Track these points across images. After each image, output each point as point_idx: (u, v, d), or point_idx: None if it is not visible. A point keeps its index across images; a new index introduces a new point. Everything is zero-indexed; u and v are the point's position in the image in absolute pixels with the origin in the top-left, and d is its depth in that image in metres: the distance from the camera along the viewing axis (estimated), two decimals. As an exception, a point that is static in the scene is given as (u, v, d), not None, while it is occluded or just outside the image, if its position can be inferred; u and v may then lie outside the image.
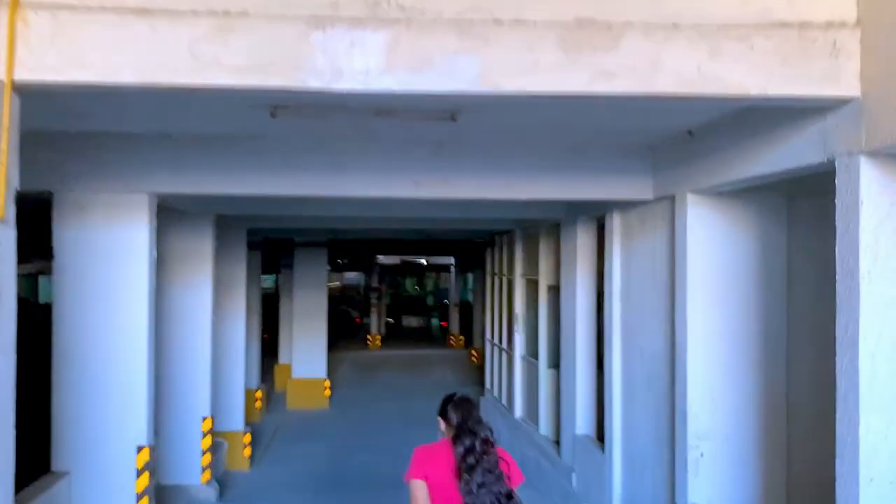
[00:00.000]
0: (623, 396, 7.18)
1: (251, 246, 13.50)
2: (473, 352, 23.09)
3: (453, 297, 28.79)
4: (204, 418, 8.59)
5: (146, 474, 6.20)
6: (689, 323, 5.63)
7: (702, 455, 5.61)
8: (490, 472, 3.67)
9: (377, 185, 6.26)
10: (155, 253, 6.36)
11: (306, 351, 16.09)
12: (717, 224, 5.68)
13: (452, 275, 29.01)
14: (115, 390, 6.11)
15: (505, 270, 12.60)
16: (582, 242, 8.55)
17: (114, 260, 6.16)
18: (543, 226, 10.29)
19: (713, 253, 5.67)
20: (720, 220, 5.68)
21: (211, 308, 8.75)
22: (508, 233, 12.23)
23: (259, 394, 14.77)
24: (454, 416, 3.84)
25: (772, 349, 5.66)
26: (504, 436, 11.80)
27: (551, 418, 10.26)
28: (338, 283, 48.83)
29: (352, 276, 51.57)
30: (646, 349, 6.64)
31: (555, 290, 10.38)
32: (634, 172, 6.31)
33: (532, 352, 11.18)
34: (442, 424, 3.94)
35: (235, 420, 11.08)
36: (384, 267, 30.93)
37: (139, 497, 6.14)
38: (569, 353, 8.84)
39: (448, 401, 3.98)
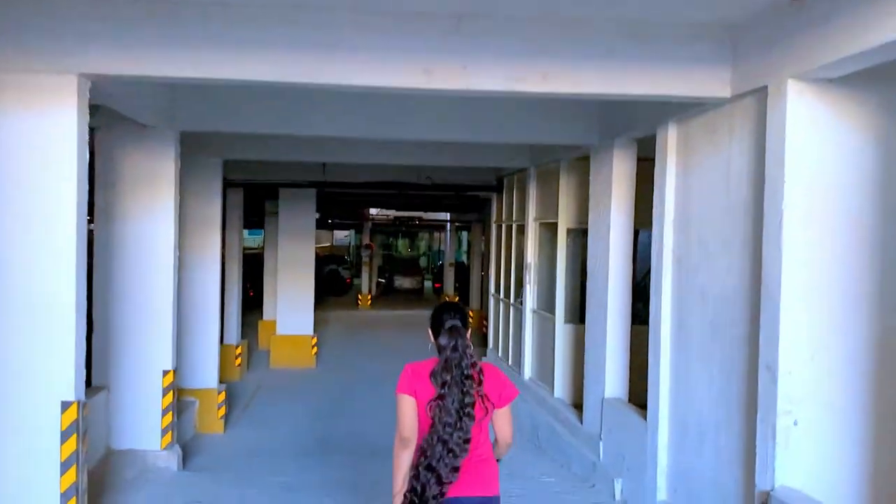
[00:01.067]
0: (674, 350, 5.85)
1: (231, 184, 12.07)
2: (470, 312, 21.80)
3: (448, 257, 27.44)
4: (165, 372, 7.23)
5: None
6: (785, 254, 4.28)
7: (795, 423, 4.31)
8: (465, 376, 3.50)
9: (377, 71, 4.83)
10: (87, 154, 4.92)
11: (292, 306, 14.73)
12: (827, 122, 4.31)
13: (448, 233, 27.64)
14: (32, 325, 4.72)
15: (515, 216, 11.22)
16: (619, 171, 7.17)
17: (33, 161, 4.74)
18: (566, 159, 8.90)
19: (820, 160, 4.31)
20: (831, 116, 4.31)
21: (174, 244, 7.34)
22: (520, 172, 10.83)
23: (239, 350, 13.46)
24: (438, 321, 3.67)
25: (894, 289, 4.33)
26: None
27: (569, 379, 8.97)
28: (328, 244, 47.61)
29: (342, 237, 50.36)
30: (710, 291, 5.29)
31: (577, 234, 9.02)
32: (706, 62, 4.90)
33: (546, 305, 9.86)
34: (431, 336, 3.69)
35: (208, 377, 9.74)
36: (376, 224, 29.55)
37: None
38: (597, 305, 7.51)
39: (436, 309, 3.81)
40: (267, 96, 7.32)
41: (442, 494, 3.43)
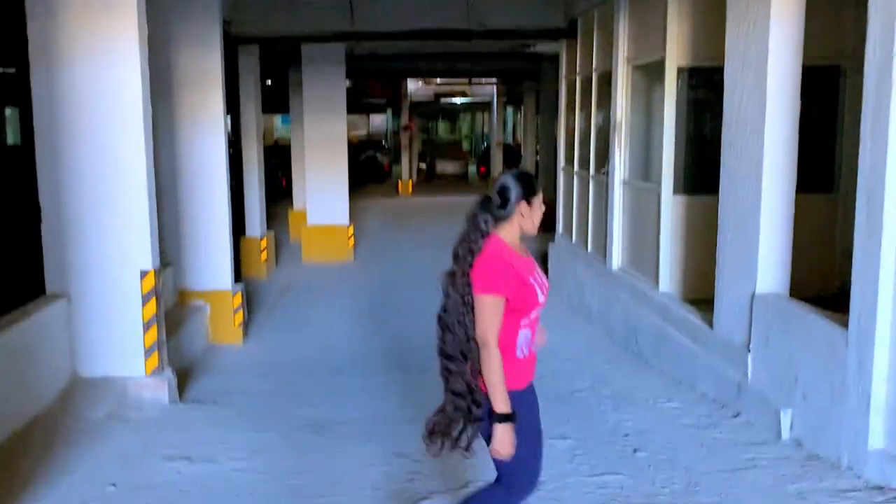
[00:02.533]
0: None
1: (241, 40, 9.81)
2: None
3: (495, 137, 25.00)
4: (143, 273, 5.26)
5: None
6: None
7: None
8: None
9: None
10: None
11: (323, 192, 12.68)
12: None
13: (493, 110, 25.06)
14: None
15: (596, 63, 8.79)
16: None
17: None
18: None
19: None
20: None
21: (142, 95, 5.20)
22: (603, 4, 8.34)
23: (264, 243, 11.56)
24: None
25: None
26: (595, 295, 8.49)
27: (680, 268, 6.85)
28: (364, 131, 45.19)
29: (379, 123, 47.80)
30: None
31: (695, 74, 6.69)
32: None
33: (643, 173, 7.64)
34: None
35: (220, 275, 7.85)
36: (415, 104, 27.05)
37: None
38: (744, 165, 5.25)
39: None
40: None
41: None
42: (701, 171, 6.64)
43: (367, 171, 28.01)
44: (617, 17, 7.78)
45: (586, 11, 9.07)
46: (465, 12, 9.89)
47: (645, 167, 7.70)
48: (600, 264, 8.51)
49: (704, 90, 6.79)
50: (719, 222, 5.65)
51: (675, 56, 6.70)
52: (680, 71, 6.72)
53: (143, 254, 5.22)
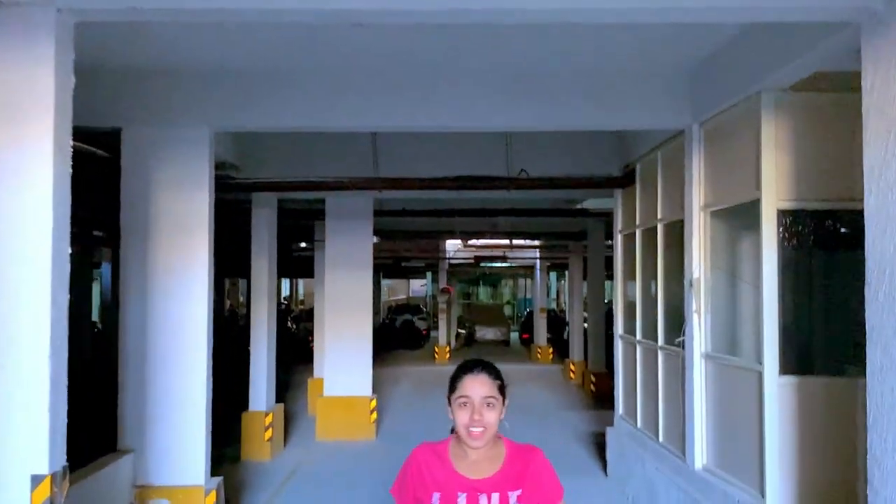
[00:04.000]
0: None
1: (245, 187, 8.70)
2: (571, 365, 17.79)
3: (538, 302, 23.51)
4: (37, 480, 3.64)
5: None
6: None
7: None
8: None
9: None
10: None
11: (344, 358, 11.15)
12: None
13: (537, 275, 23.76)
14: None
15: (661, 212, 7.37)
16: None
17: None
18: (774, 90, 5.12)
19: None
20: None
21: (52, 228, 3.81)
22: (671, 141, 7.04)
23: (269, 419, 9.90)
24: (453, 383, 2.45)
25: None
26: (673, 501, 6.56)
27: (796, 476, 5.00)
28: (404, 296, 44.38)
29: (419, 288, 47.08)
30: None
31: (803, 219, 5.20)
32: None
33: (732, 344, 5.97)
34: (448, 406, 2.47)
35: (192, 468, 6.18)
36: (454, 267, 25.99)
37: None
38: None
39: (457, 367, 2.48)
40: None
41: None
42: (820, 342, 4.97)
43: (404, 336, 26.66)
44: (689, 155, 6.42)
45: (647, 154, 7.78)
46: (505, 159, 8.72)
47: (733, 337, 6.05)
48: (677, 460, 6.64)
49: (816, 238, 5.26)
50: (869, 416, 3.89)
51: (774, 196, 5.23)
52: (782, 215, 5.22)
53: (35, 453, 3.63)
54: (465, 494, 2.24)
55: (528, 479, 2.30)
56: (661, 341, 7.30)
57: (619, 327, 8.79)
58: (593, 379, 15.45)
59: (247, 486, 8.53)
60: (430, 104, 6.30)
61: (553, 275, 29.64)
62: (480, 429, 2.26)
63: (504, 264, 29.62)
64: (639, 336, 8.02)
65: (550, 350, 22.60)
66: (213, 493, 6.20)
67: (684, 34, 5.50)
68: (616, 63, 6.20)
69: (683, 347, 6.56)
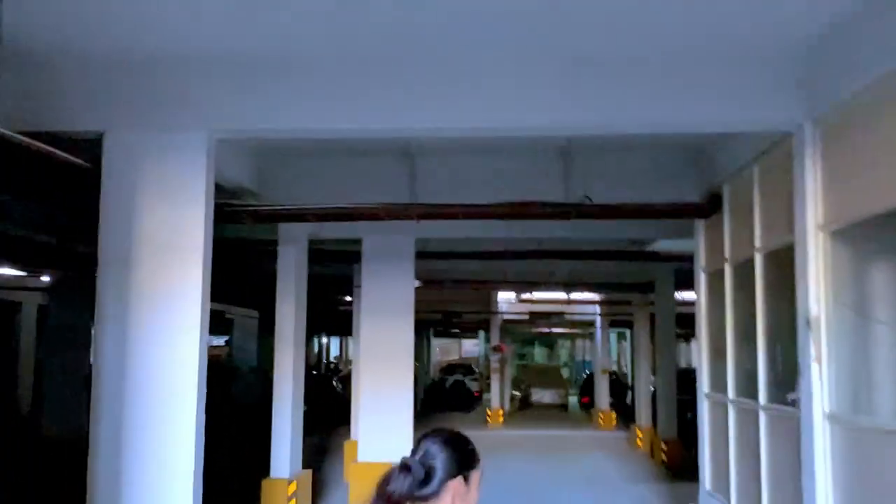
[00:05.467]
0: None
1: (262, 217, 7.66)
2: (638, 431, 16.08)
3: (600, 363, 21.86)
4: None
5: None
6: None
7: None
8: None
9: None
10: None
11: (381, 419, 9.80)
12: None
13: (597, 332, 22.17)
14: None
15: (758, 241, 5.98)
16: None
17: None
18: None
19: None
20: None
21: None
22: (769, 155, 5.71)
23: (292, 488, 8.62)
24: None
25: None
26: None
27: None
28: (456, 357, 42.93)
29: (472, 347, 45.56)
30: None
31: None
32: None
33: (867, 401, 4.52)
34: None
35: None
36: (508, 324, 24.57)
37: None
38: None
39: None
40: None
41: None
42: None
43: (455, 397, 25.20)
44: (800, 162, 5.07)
45: (737, 172, 6.45)
46: (563, 184, 7.49)
47: (867, 392, 4.60)
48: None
49: None
50: None
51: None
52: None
53: None
54: None
55: None
56: (763, 399, 5.83)
57: (703, 384, 7.31)
58: (664, 447, 13.75)
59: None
60: (466, 99, 5.15)
61: (613, 335, 27.85)
62: None
63: (559, 330, 28.06)
64: (731, 394, 6.54)
65: (613, 415, 20.82)
66: None
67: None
68: (704, 44, 4.96)
69: (798, 406, 5.10)
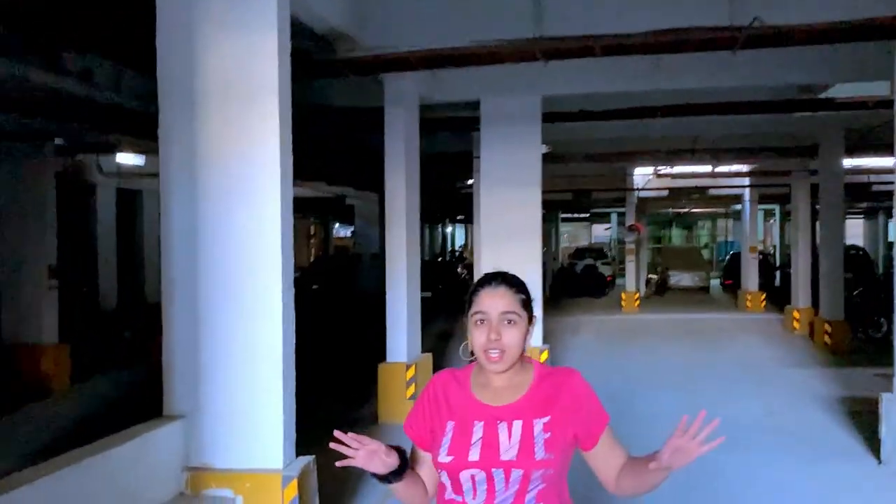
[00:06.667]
0: None
1: (361, 66, 6.61)
2: (795, 313, 14.49)
3: (747, 241, 19.98)
4: None
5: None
6: None
7: None
8: None
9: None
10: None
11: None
12: None
13: (746, 207, 20.17)
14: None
15: None
16: None
17: None
18: None
19: None
20: None
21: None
22: None
23: (412, 372, 8.00)
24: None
25: None
26: None
27: None
28: (586, 242, 41.54)
29: (602, 233, 43.97)
30: None
31: None
32: None
33: None
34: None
35: (267, 445, 4.27)
36: (644, 202, 22.89)
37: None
38: None
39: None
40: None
41: None
42: None
43: (586, 282, 24.07)
44: None
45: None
46: (727, 7, 5.94)
47: None
48: None
49: None
50: None
51: None
52: None
53: None
54: (482, 423, 1.93)
55: (559, 404, 1.94)
56: None
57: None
58: (828, 329, 12.19)
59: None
60: None
61: (759, 213, 25.56)
62: (497, 351, 1.91)
63: (698, 210, 25.61)
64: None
65: (763, 297, 19.12)
66: (295, 483, 4.23)
67: None
68: None
69: None
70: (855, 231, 29.57)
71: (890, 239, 27.79)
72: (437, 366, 9.81)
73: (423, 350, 8.68)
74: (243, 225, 4.27)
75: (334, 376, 10.43)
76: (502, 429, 1.90)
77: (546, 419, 1.90)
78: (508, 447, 1.88)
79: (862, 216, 30.09)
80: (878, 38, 5.76)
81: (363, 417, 8.07)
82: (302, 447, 4.46)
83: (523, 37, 5.92)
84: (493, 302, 1.93)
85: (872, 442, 6.42)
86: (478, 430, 1.92)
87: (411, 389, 7.92)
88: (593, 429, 1.93)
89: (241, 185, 4.26)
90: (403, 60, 6.13)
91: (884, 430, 5.99)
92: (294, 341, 4.44)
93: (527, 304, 1.98)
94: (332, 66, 6.00)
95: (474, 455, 1.88)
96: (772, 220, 30.86)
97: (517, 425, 1.91)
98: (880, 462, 6.09)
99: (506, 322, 1.92)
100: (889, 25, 5.53)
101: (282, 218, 4.27)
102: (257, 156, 4.25)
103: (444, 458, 1.92)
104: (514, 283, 1.98)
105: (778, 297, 19.18)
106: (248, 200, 4.26)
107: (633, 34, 5.61)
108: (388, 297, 8.09)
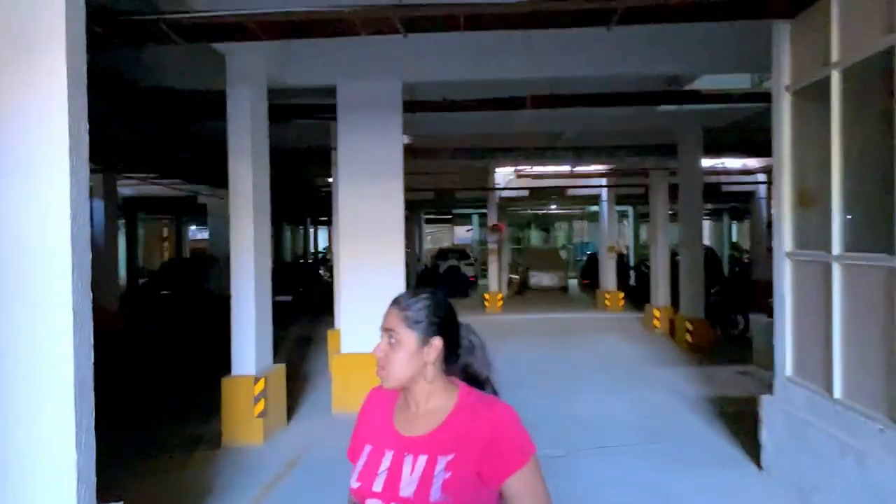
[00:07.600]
0: None
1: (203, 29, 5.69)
2: (655, 311, 14.63)
3: (605, 240, 20.26)
4: None
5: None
6: None
7: None
8: None
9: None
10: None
11: (364, 301, 8.12)
12: None
13: (603, 207, 20.44)
14: None
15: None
16: None
17: None
18: None
19: None
20: None
21: None
22: None
23: (260, 386, 7.06)
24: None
25: None
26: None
27: None
28: (448, 244, 41.46)
29: (465, 235, 44.10)
30: None
31: None
32: None
33: None
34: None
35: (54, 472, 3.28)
36: (505, 201, 22.80)
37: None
38: None
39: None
40: None
41: None
42: None
43: (449, 283, 23.74)
44: None
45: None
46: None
47: None
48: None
49: None
50: None
51: None
52: None
53: None
54: (391, 453, 1.86)
55: (470, 440, 1.79)
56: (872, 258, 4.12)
57: (783, 241, 5.59)
58: (689, 327, 12.29)
59: (223, 484, 5.72)
60: None
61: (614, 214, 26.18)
62: (380, 368, 1.87)
63: (557, 211, 26.09)
64: (837, 250, 4.82)
65: (621, 296, 19.43)
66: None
67: None
68: None
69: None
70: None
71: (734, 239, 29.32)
72: (295, 376, 8.94)
73: (278, 360, 7.78)
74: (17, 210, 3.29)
75: (180, 390, 9.33)
76: (407, 462, 1.83)
77: (450, 457, 1.78)
78: (408, 482, 1.79)
79: (708, 217, 31.60)
80: (759, 17, 5.48)
81: (206, 438, 7.09)
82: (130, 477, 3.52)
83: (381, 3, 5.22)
84: (384, 319, 1.89)
85: (749, 447, 6.19)
86: (386, 460, 1.86)
87: (260, 406, 7.01)
88: (500, 470, 1.74)
89: (12, 159, 3.28)
90: (241, 26, 5.25)
91: (765, 435, 5.73)
92: (92, 359, 3.49)
93: (417, 324, 1.86)
94: (154, 28, 5.02)
95: (377, 486, 1.83)
96: (625, 222, 31.87)
97: (421, 460, 1.82)
98: (761, 468, 5.83)
99: (388, 341, 1.87)
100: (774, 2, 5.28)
101: (72, 203, 3.32)
102: (37, 124, 3.28)
103: (353, 482, 1.88)
104: (401, 302, 1.89)
105: (634, 296, 19.60)
106: (24, 180, 3.28)
107: (502, 2, 5.03)
108: (233, 301, 7.14)
